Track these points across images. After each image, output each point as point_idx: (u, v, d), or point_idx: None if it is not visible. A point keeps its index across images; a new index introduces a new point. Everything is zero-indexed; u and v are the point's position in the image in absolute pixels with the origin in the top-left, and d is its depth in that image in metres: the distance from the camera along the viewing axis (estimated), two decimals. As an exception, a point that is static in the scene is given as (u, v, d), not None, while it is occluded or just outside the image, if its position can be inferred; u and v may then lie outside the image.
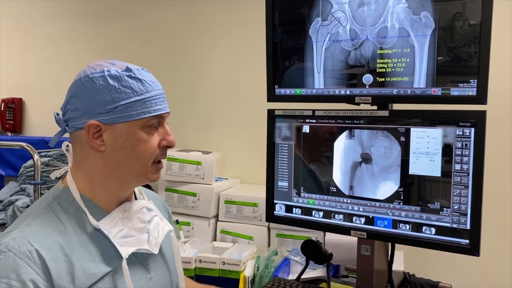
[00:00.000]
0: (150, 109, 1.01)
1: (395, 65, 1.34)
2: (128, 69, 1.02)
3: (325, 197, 1.47)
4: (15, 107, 3.02)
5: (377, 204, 1.38)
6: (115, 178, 1.03)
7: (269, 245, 2.03)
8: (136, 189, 1.16)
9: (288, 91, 1.52)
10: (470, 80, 1.24)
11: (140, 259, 1.06)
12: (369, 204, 1.39)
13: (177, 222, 2.08)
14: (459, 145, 1.25)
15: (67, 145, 1.07)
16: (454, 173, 1.26)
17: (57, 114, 1.06)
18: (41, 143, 2.72)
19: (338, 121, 1.44)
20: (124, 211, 1.05)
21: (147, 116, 1.00)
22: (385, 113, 1.36)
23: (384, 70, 1.36)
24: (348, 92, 1.42)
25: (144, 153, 1.02)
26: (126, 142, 1.00)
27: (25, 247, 0.90)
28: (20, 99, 3.05)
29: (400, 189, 1.34)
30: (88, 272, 0.94)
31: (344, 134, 1.42)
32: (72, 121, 1.02)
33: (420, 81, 1.31)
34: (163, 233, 1.10)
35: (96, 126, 0.99)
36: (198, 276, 1.79)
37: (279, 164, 1.54)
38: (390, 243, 1.48)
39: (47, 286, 0.89)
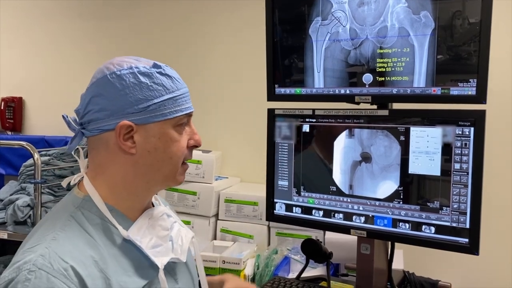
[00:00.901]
0: (182, 107, 0.97)
1: (395, 64, 1.34)
2: (157, 66, 0.96)
3: (325, 196, 1.47)
4: (15, 106, 3.02)
5: (377, 203, 1.38)
6: (144, 182, 0.97)
7: (269, 244, 2.04)
8: None
9: (288, 91, 1.53)
10: (470, 80, 1.24)
11: (167, 269, 0.99)
12: (369, 203, 1.39)
13: (177, 221, 2.09)
14: (459, 144, 1.25)
15: (77, 150, 0.99)
16: (454, 172, 1.26)
17: (67, 116, 0.97)
18: (41, 142, 2.72)
19: (338, 120, 1.44)
20: (149, 219, 0.99)
21: (179, 115, 0.96)
22: (385, 112, 1.37)
23: (384, 70, 1.36)
24: (348, 92, 1.42)
25: (176, 154, 0.97)
26: (158, 143, 0.94)
27: (59, 264, 0.81)
28: (20, 98, 3.05)
29: (399, 188, 1.34)
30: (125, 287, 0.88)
31: (344, 133, 1.43)
32: (96, 123, 0.93)
33: (419, 80, 1.31)
34: (187, 240, 1.04)
35: (128, 126, 0.91)
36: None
37: (279, 163, 1.54)
38: (389, 242, 1.49)
39: None
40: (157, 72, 0.95)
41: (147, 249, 0.94)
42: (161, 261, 0.94)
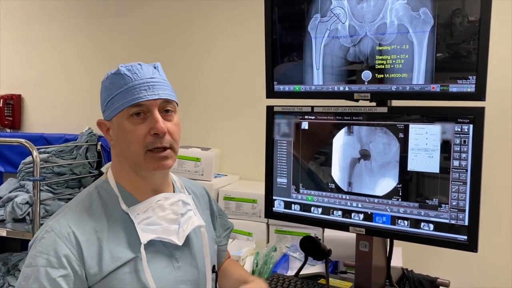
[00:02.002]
0: (128, 99, 1.06)
1: (394, 61, 1.34)
2: (118, 68, 1.09)
3: (324, 193, 1.47)
4: (14, 103, 3.02)
5: (376, 200, 1.38)
6: (127, 169, 1.12)
7: (268, 241, 2.04)
8: (178, 183, 1.23)
9: (287, 88, 1.52)
10: (469, 77, 1.24)
11: (168, 248, 1.11)
12: (367, 201, 1.39)
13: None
14: (458, 141, 1.25)
15: None
16: (453, 170, 1.26)
17: None
18: (40, 140, 2.71)
19: (337, 117, 1.44)
20: (158, 201, 1.12)
21: (125, 107, 1.06)
22: (384, 109, 1.37)
23: (383, 67, 1.36)
24: (347, 89, 1.42)
25: (132, 142, 1.07)
26: (119, 134, 1.09)
27: (65, 229, 1.02)
28: (19, 96, 3.05)
29: (398, 186, 1.34)
30: (115, 256, 1.03)
31: (343, 131, 1.42)
32: None
33: (419, 77, 1.31)
34: (192, 227, 1.14)
35: (102, 123, 1.13)
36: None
37: (278, 161, 1.54)
38: (388, 239, 1.49)
39: (79, 264, 1.00)
40: (113, 73, 1.10)
41: (139, 224, 1.08)
42: (146, 237, 1.06)
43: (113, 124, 1.10)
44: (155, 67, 1.13)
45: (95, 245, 1.02)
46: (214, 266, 1.22)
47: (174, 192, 1.20)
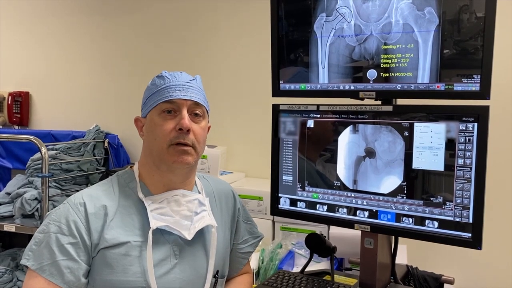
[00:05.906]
0: (162, 96, 1.16)
1: (399, 60, 1.35)
2: (161, 72, 1.21)
3: (329, 191, 1.48)
4: (22, 100, 3.05)
5: (381, 198, 1.39)
6: (150, 163, 1.19)
7: (273, 238, 2.05)
8: (198, 184, 1.29)
9: (292, 86, 1.53)
10: (474, 75, 1.25)
11: (170, 243, 1.16)
12: (372, 198, 1.40)
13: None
14: (462, 139, 1.26)
15: None
16: (457, 168, 1.27)
17: None
18: (48, 136, 2.75)
19: (343, 116, 1.45)
20: (174, 195, 1.19)
21: (159, 102, 1.16)
22: (389, 108, 1.37)
23: (388, 66, 1.36)
24: (352, 87, 1.43)
25: (158, 135, 1.15)
26: (148, 127, 1.19)
27: (78, 200, 1.13)
28: (27, 93, 3.08)
29: (403, 183, 1.35)
30: (115, 236, 1.10)
31: (348, 129, 1.43)
32: None
33: (423, 76, 1.31)
34: (203, 224, 1.19)
35: (139, 120, 1.24)
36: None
37: (284, 159, 1.55)
38: (393, 237, 1.50)
39: (87, 234, 1.09)
40: (157, 76, 1.21)
41: (152, 212, 1.14)
42: (156, 223, 1.13)
43: (147, 120, 1.20)
44: (194, 78, 1.23)
45: (100, 220, 1.11)
46: (217, 272, 1.23)
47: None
